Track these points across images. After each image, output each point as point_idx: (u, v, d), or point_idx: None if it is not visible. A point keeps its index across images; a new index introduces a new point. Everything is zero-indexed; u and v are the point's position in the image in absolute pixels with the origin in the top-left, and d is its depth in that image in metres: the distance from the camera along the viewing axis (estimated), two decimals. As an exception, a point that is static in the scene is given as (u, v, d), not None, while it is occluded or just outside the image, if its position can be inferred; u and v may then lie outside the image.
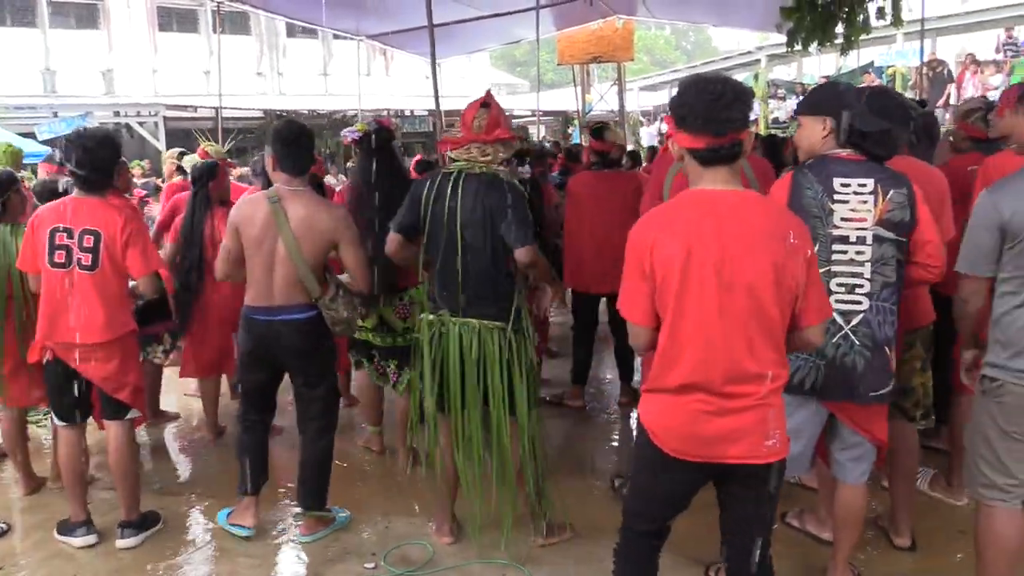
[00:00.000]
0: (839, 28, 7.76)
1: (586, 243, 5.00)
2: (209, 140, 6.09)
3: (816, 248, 2.55)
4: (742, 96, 2.11)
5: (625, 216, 5.07)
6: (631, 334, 2.26)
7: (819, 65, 19.73)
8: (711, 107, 2.08)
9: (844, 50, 8.18)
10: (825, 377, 2.69)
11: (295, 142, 3.37)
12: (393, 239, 3.29)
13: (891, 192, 2.64)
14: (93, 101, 19.24)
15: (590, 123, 17.27)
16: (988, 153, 3.71)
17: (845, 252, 2.66)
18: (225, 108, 9.94)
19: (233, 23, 22.32)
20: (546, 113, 14.26)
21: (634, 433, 4.78)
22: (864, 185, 2.64)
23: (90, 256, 3.37)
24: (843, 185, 2.65)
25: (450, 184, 3.15)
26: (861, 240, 2.65)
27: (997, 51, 16.13)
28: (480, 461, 3.29)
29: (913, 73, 16.47)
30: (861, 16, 7.54)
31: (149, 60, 21.79)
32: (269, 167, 3.43)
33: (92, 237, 3.37)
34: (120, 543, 3.55)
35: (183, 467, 4.58)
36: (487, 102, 3.23)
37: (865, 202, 2.64)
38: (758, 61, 23.72)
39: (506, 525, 3.31)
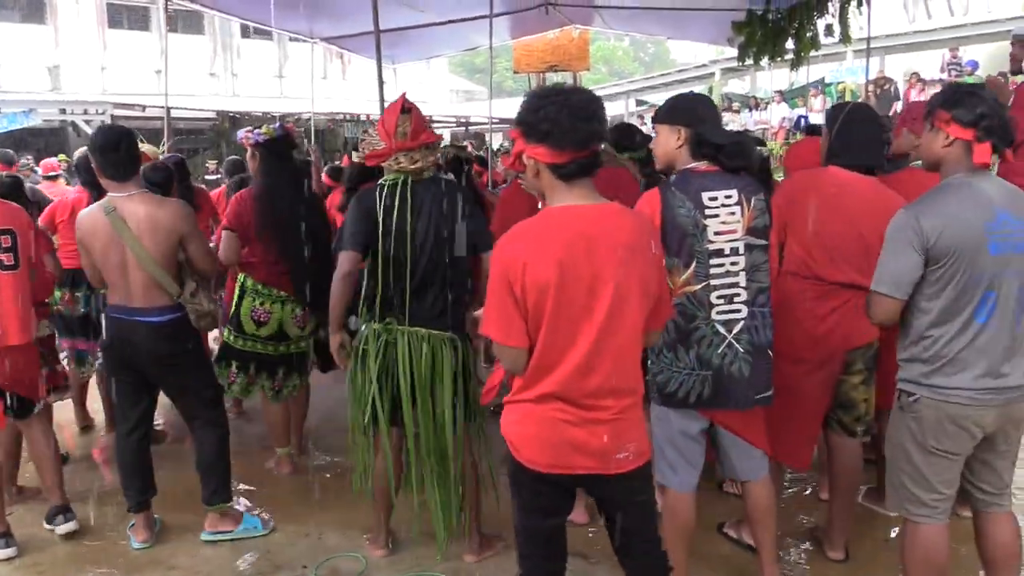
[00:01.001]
0: (789, 44, 7.89)
1: None
2: (143, 141, 5.94)
3: (694, 265, 2.61)
4: (601, 108, 2.11)
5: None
6: (506, 357, 2.15)
7: (772, 79, 20.07)
8: (576, 120, 2.04)
9: (794, 65, 8.32)
10: (713, 387, 2.68)
11: (113, 149, 3.27)
12: (351, 258, 3.08)
13: (753, 199, 2.66)
14: (38, 97, 18.78)
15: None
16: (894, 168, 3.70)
17: (722, 265, 2.66)
18: (176, 108, 9.73)
19: (186, 22, 21.97)
20: (502, 121, 14.22)
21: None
22: (730, 196, 2.65)
23: (11, 256, 3.33)
24: (711, 199, 2.64)
25: (398, 194, 3.07)
26: (735, 251, 2.66)
27: (942, 70, 16.58)
28: (426, 473, 3.21)
29: (862, 90, 16.82)
30: (810, 32, 7.67)
31: (98, 57, 21.35)
32: (98, 176, 3.35)
33: (8, 237, 3.35)
34: (63, 528, 3.56)
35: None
36: (408, 107, 3.13)
37: (733, 213, 2.65)
38: (713, 74, 24.08)
39: (440, 537, 3.23)
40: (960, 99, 2.43)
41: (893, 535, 3.48)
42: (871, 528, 3.58)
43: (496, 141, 20.80)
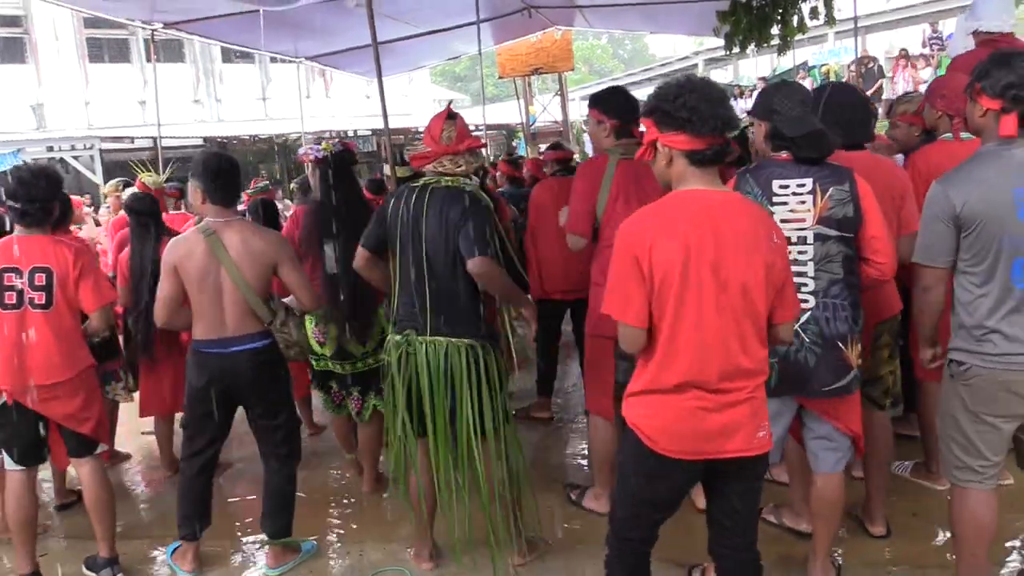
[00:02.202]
0: (775, 29, 7.93)
1: (551, 251, 4.92)
2: (146, 170, 5.95)
3: None
4: (727, 96, 2.20)
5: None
6: (625, 336, 2.20)
7: (756, 67, 20.16)
8: (715, 107, 2.11)
9: (781, 50, 8.35)
10: (780, 374, 2.71)
11: (225, 174, 3.33)
12: (360, 254, 3.25)
13: (831, 190, 2.67)
14: (24, 137, 18.70)
15: (537, 136, 17.37)
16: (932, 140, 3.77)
17: (788, 253, 2.67)
18: (164, 137, 9.71)
19: (167, 51, 21.92)
20: (490, 127, 14.26)
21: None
22: (803, 185, 2.68)
23: (43, 295, 3.27)
24: (782, 187, 2.69)
25: (414, 199, 3.11)
26: (802, 240, 2.68)
27: (924, 45, 16.67)
28: (457, 483, 3.20)
29: (845, 70, 16.91)
30: (796, 17, 7.71)
31: (81, 92, 21.28)
32: (197, 201, 3.36)
33: (44, 275, 3.27)
34: None
35: (145, 507, 4.43)
36: (452, 114, 3.20)
37: (803, 202, 2.67)
38: (695, 66, 24.14)
39: (490, 546, 3.20)
40: (989, 70, 2.45)
41: (942, 512, 3.51)
42: (921, 507, 3.60)
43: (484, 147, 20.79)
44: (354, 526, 3.89)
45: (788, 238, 2.66)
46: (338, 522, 3.95)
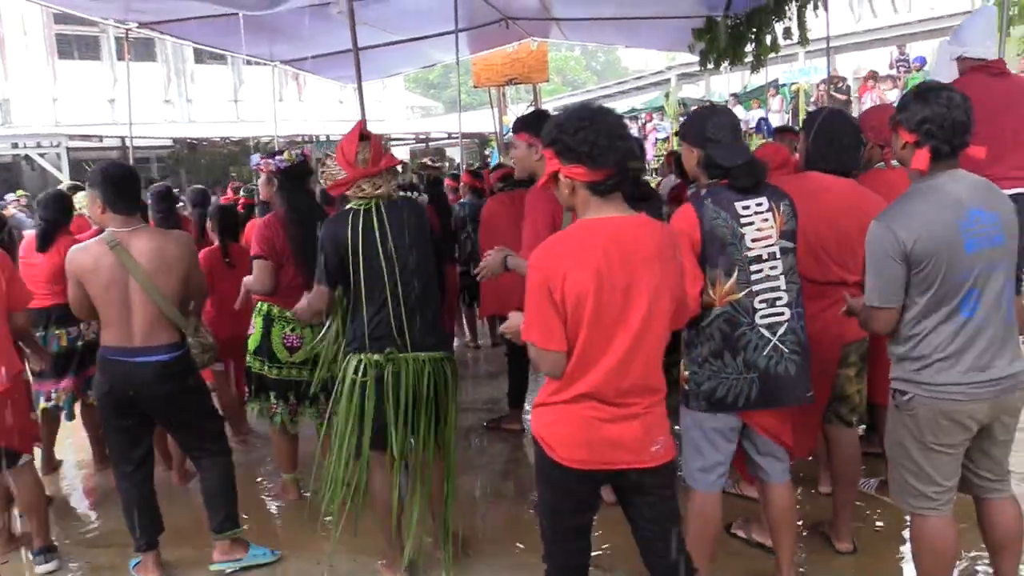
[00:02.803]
0: (748, 47, 8.05)
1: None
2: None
3: (736, 273, 2.68)
4: (626, 125, 2.25)
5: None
6: (546, 361, 2.22)
7: (727, 83, 20.36)
8: (614, 140, 2.15)
9: (754, 68, 8.48)
10: (760, 388, 2.74)
11: (124, 182, 3.26)
12: (324, 293, 3.18)
13: (782, 205, 2.75)
14: (-12, 133, 18.40)
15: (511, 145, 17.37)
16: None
17: (761, 270, 2.73)
18: (133, 137, 9.59)
19: (138, 49, 21.66)
20: (463, 135, 14.26)
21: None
22: (761, 204, 2.74)
23: None
24: (744, 208, 2.73)
25: (372, 219, 3.08)
26: (772, 256, 2.74)
27: (891, 67, 16.96)
28: (425, 492, 3.25)
29: (815, 89, 17.17)
30: (769, 36, 7.83)
31: (49, 89, 20.98)
32: (97, 211, 3.29)
33: None
34: (42, 568, 3.54)
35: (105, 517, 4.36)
36: (365, 133, 3.16)
37: (766, 220, 2.73)
38: (668, 80, 24.35)
39: (445, 556, 3.26)
40: (908, 103, 2.49)
41: (890, 524, 3.56)
42: (870, 518, 3.65)
43: (456, 154, 20.81)
44: (321, 539, 3.85)
45: (759, 256, 2.72)
46: (303, 535, 3.89)
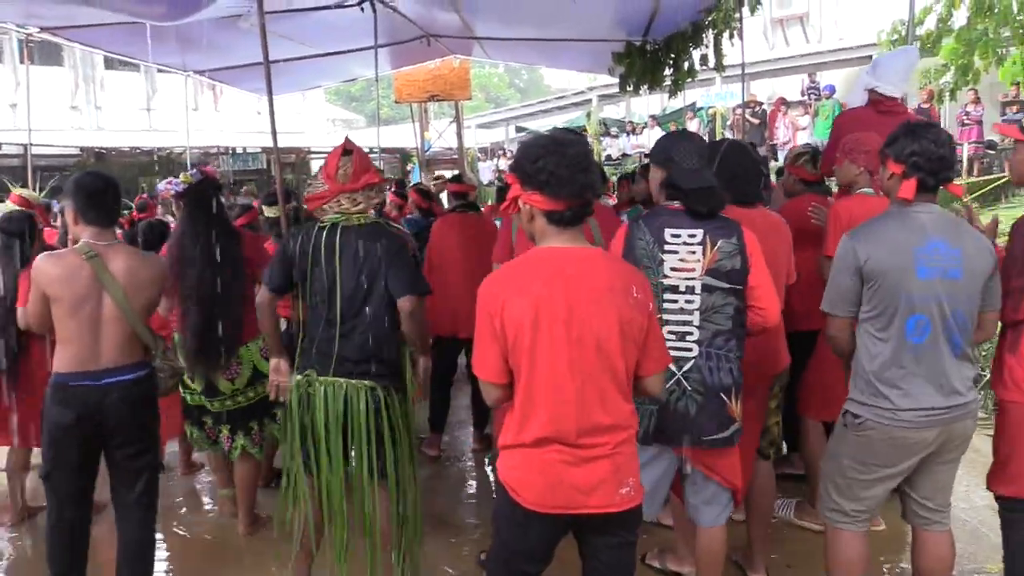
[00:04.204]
0: (667, 71, 8.19)
1: (449, 286, 4.85)
2: (16, 183, 5.55)
3: None
4: (592, 158, 2.22)
5: (487, 259, 5.05)
6: (485, 390, 2.25)
7: (647, 104, 20.76)
8: (574, 172, 2.12)
9: (672, 92, 8.64)
10: (659, 421, 2.72)
11: (102, 194, 3.09)
12: (264, 295, 3.13)
13: (720, 242, 2.71)
14: None
15: (432, 164, 17.31)
16: (818, 193, 3.97)
17: (675, 301, 2.71)
18: (36, 145, 9.13)
19: (44, 53, 20.76)
20: (384, 150, 14.12)
21: (490, 481, 4.73)
22: (694, 236, 2.71)
23: None
24: (673, 236, 2.72)
25: (325, 238, 3.00)
26: (690, 289, 2.71)
27: (802, 94, 17.57)
28: (343, 526, 3.11)
29: (731, 113, 17.65)
30: (687, 62, 7.98)
31: (-56, 92, 19.92)
32: (71, 222, 3.10)
33: None
34: None
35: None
36: (349, 148, 3.08)
37: (693, 252, 2.70)
38: (589, 100, 24.72)
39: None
40: (899, 138, 2.63)
41: (804, 550, 3.60)
42: (803, 547, 3.69)
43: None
44: (232, 570, 3.69)
45: (676, 286, 2.70)
46: (214, 566, 3.72)
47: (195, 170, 3.83)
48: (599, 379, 2.14)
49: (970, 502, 4.08)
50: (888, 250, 2.53)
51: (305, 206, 3.27)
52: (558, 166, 2.11)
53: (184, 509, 4.43)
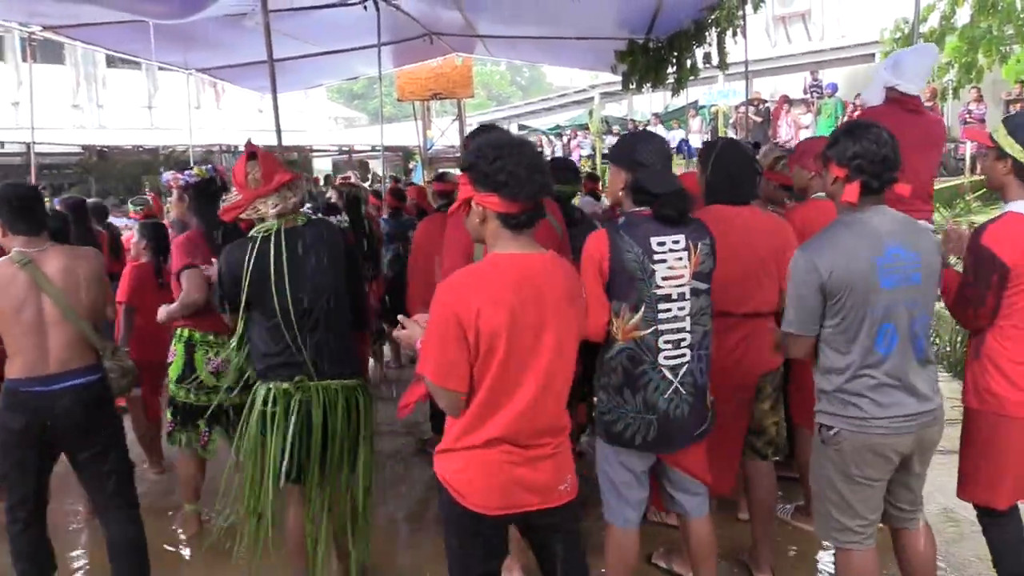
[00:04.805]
0: (670, 70, 8.18)
1: (434, 287, 4.81)
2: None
3: (643, 309, 2.61)
4: (544, 160, 2.20)
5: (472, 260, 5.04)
6: (443, 399, 2.15)
7: (650, 102, 20.76)
8: (532, 173, 2.08)
9: (675, 91, 8.63)
10: (658, 430, 2.69)
11: (23, 201, 3.05)
12: (230, 320, 3.06)
13: (699, 244, 2.68)
14: None
15: (432, 161, 17.30)
16: (798, 199, 3.90)
17: (669, 310, 2.66)
18: (38, 143, 9.13)
19: (45, 52, 20.79)
20: (387, 148, 14.11)
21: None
22: (677, 242, 2.66)
23: None
24: (659, 244, 2.65)
25: (270, 246, 2.93)
26: (681, 296, 2.67)
27: (805, 92, 17.53)
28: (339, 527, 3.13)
29: (734, 111, 17.63)
30: (690, 60, 7.98)
31: (-54, 90, 19.94)
32: None
33: None
34: None
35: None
36: (253, 153, 3.01)
37: (680, 258, 2.66)
38: (592, 98, 24.70)
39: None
40: (839, 139, 2.52)
41: (805, 550, 3.60)
42: (805, 549, 3.67)
43: (379, 167, 20.59)
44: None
45: (668, 295, 2.64)
46: (203, 571, 3.72)
47: (210, 166, 3.81)
48: (556, 384, 2.17)
49: (952, 496, 4.03)
50: (849, 262, 2.44)
51: (308, 206, 3.24)
52: (517, 166, 2.06)
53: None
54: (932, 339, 2.70)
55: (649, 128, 18.95)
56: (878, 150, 2.46)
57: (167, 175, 3.88)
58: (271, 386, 2.98)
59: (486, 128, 3.62)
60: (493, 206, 2.10)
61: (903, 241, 2.48)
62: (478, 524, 2.20)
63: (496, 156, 2.07)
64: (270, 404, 2.98)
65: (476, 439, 2.14)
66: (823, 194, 3.48)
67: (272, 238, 2.94)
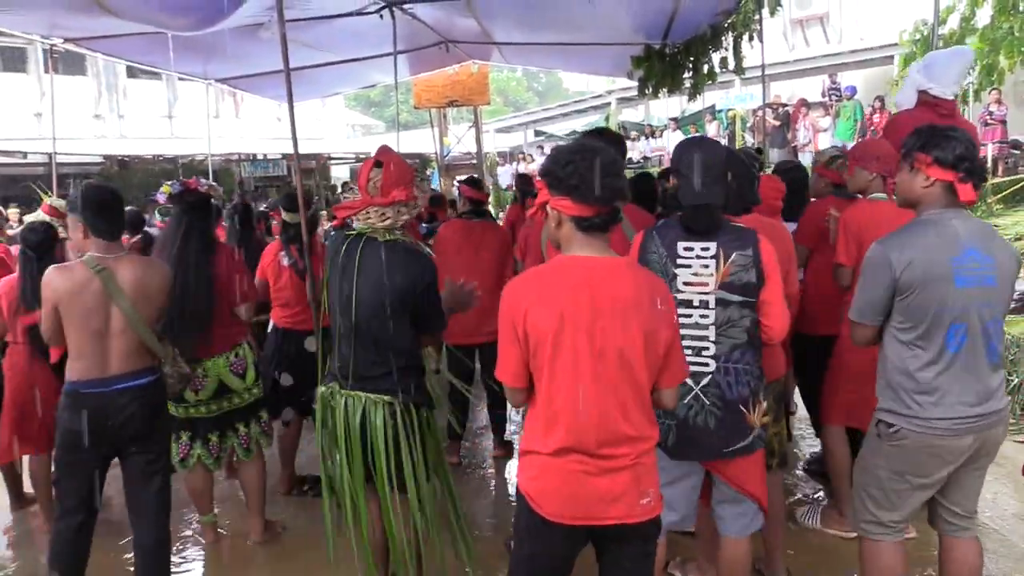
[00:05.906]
0: (686, 75, 8.15)
1: None
2: (47, 192, 5.60)
3: None
4: (622, 164, 2.22)
5: (495, 266, 5.03)
6: (507, 393, 2.28)
7: (666, 107, 20.68)
8: (604, 177, 2.11)
9: (691, 96, 8.61)
10: (677, 436, 2.69)
11: (109, 207, 3.13)
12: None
13: (734, 255, 2.66)
14: (-95, 146, 17.60)
15: (450, 167, 17.36)
16: (844, 197, 3.91)
17: (690, 316, 2.67)
18: (60, 153, 9.23)
19: (67, 63, 21.05)
20: (404, 155, 14.17)
21: (510, 487, 4.71)
22: (707, 249, 2.67)
23: None
24: (686, 249, 2.68)
25: (346, 249, 2.98)
26: (704, 304, 2.67)
27: (823, 95, 17.42)
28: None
29: (751, 115, 17.55)
30: (706, 65, 7.95)
31: (-29, 102, 20.21)
32: (79, 235, 3.14)
33: None
34: None
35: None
36: (380, 160, 2.99)
37: (707, 266, 2.66)
38: (608, 104, 24.66)
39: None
40: (939, 142, 2.54)
41: (821, 557, 3.56)
42: (828, 555, 3.67)
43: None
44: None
45: (690, 301, 2.66)
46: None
47: (176, 182, 3.82)
48: (621, 390, 2.13)
49: (997, 510, 4.03)
50: (925, 260, 2.49)
51: (323, 213, 3.26)
52: (589, 170, 2.11)
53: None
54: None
55: (667, 132, 18.91)
56: (975, 152, 2.54)
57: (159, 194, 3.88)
58: (322, 387, 3.07)
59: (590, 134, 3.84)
60: (567, 209, 2.14)
61: (981, 245, 2.51)
62: (552, 533, 2.19)
63: (568, 161, 2.13)
64: (319, 405, 3.07)
65: (547, 446, 2.16)
66: (882, 195, 3.51)
67: (350, 241, 2.98)
